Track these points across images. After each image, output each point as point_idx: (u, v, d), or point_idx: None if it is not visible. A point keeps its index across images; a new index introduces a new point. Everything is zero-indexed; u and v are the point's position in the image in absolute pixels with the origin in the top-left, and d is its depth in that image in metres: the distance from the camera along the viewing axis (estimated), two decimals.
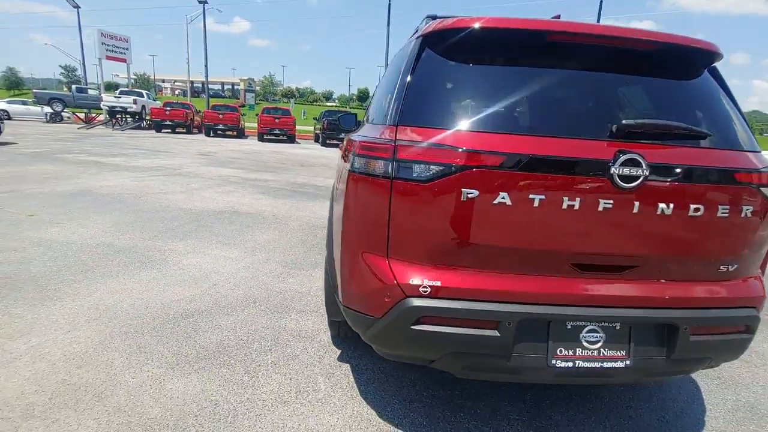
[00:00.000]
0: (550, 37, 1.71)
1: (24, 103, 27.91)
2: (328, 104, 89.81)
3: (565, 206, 1.56)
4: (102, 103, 22.67)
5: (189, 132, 22.82)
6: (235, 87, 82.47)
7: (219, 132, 21.63)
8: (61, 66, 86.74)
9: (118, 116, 23.02)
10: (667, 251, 1.68)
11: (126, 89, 26.37)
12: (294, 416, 2.03)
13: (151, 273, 3.59)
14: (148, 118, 23.35)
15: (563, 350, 1.66)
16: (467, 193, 1.55)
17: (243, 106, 35.68)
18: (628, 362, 1.68)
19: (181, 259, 3.96)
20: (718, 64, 1.96)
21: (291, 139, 21.27)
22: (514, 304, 1.62)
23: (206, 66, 31.55)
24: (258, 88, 76.57)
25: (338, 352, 2.63)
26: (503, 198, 1.55)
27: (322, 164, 12.71)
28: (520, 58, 1.79)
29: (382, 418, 2.07)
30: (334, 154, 15.22)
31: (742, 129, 1.82)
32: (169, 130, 22.29)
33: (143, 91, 26.56)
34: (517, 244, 1.62)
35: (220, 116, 21.31)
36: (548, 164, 1.55)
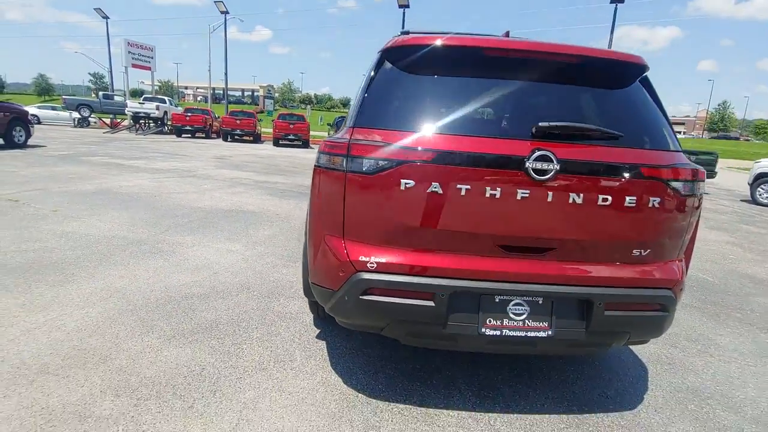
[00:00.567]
0: (485, 53, 2.00)
1: (53, 108, 29.35)
2: (344, 110, 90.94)
3: (488, 195, 1.82)
4: (126, 109, 23.66)
5: (208, 137, 23.60)
6: (255, 93, 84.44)
7: (236, 137, 22.30)
8: (90, 73, 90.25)
9: (141, 121, 23.97)
10: (580, 236, 1.92)
11: (150, 96, 27.42)
12: (270, 380, 2.33)
13: (158, 262, 3.96)
14: (169, 123, 24.27)
15: (492, 320, 1.92)
16: (405, 184, 1.84)
17: (261, 111, 36.66)
18: (550, 332, 1.93)
19: (186, 251, 4.32)
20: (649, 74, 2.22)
21: (305, 144, 21.76)
22: (447, 279, 1.89)
23: (226, 73, 32.58)
24: (277, 94, 78.17)
25: (317, 331, 2.92)
26: (435, 188, 1.83)
27: None
28: (461, 69, 2.07)
29: (347, 384, 2.36)
30: None
31: (664, 131, 2.07)
32: (189, 135, 23.13)
33: (165, 98, 27.56)
34: (449, 227, 1.89)
35: (237, 122, 22.00)
36: (473, 159, 1.82)
